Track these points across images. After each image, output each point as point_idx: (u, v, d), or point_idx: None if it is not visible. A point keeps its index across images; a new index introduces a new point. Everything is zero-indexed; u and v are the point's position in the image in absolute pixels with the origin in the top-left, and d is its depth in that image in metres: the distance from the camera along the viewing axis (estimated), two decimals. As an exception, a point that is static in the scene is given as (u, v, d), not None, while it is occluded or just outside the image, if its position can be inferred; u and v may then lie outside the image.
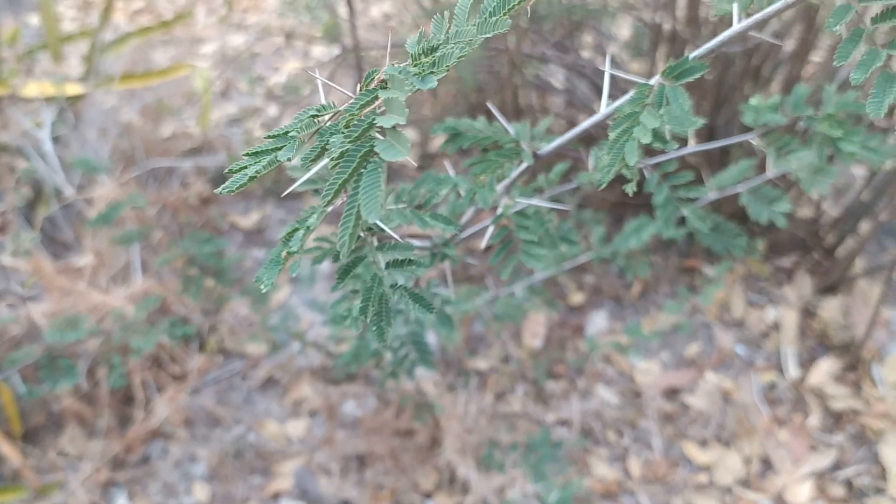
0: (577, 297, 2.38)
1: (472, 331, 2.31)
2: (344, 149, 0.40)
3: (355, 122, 0.41)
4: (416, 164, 2.16)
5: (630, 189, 0.57)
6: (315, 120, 0.46)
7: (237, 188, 0.45)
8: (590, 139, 1.85)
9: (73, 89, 2.55)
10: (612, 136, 0.54)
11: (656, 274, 2.41)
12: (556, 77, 2.54)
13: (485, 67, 2.36)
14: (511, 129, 0.72)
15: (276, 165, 0.45)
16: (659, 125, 0.50)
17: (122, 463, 2.02)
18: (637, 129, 0.52)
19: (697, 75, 0.52)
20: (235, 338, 2.31)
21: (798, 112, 0.86)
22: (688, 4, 2.08)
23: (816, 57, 2.23)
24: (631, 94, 0.55)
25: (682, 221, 1.33)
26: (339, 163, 0.41)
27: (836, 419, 2.02)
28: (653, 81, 0.55)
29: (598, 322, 2.32)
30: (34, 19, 3.69)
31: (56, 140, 2.40)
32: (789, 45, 2.07)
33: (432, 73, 0.42)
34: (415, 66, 0.43)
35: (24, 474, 1.91)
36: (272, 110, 3.30)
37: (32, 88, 2.50)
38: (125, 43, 2.75)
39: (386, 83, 0.43)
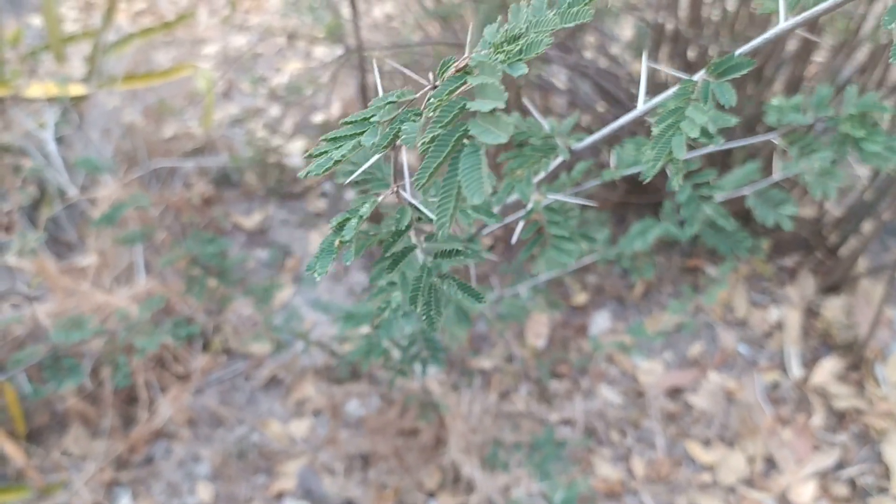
0: (580, 297, 2.39)
1: (475, 330, 2.31)
2: (435, 133, 0.40)
3: (445, 108, 0.41)
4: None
5: (676, 182, 0.57)
6: (395, 106, 0.46)
7: (323, 172, 0.46)
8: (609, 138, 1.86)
9: (76, 90, 2.55)
10: (656, 131, 0.54)
11: (659, 274, 2.42)
12: (559, 77, 2.54)
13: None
14: (546, 124, 0.72)
15: (358, 149, 0.45)
16: (706, 121, 0.51)
17: (125, 463, 2.02)
18: (685, 124, 0.52)
19: (744, 71, 0.53)
20: (239, 338, 2.31)
21: (820, 113, 0.86)
22: (690, 5, 2.09)
23: (818, 57, 2.24)
24: (674, 89, 0.56)
25: (681, 222, 1.33)
26: (429, 147, 0.41)
27: (839, 419, 2.03)
28: (696, 77, 0.56)
29: (601, 322, 2.33)
30: (36, 20, 3.69)
31: (59, 140, 2.39)
32: (791, 45, 2.08)
33: (520, 59, 0.42)
34: (498, 53, 0.44)
35: (27, 474, 1.91)
36: (274, 111, 3.30)
37: (35, 89, 2.49)
38: (127, 44, 2.74)
39: (469, 70, 0.43)
